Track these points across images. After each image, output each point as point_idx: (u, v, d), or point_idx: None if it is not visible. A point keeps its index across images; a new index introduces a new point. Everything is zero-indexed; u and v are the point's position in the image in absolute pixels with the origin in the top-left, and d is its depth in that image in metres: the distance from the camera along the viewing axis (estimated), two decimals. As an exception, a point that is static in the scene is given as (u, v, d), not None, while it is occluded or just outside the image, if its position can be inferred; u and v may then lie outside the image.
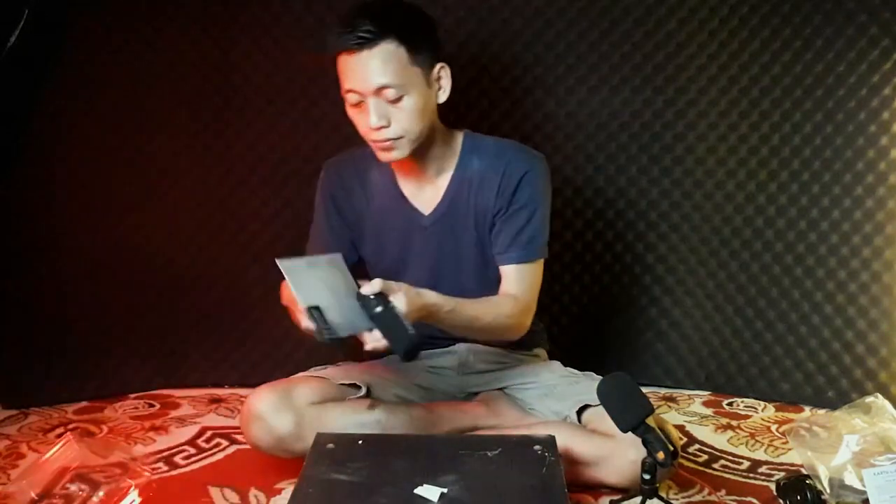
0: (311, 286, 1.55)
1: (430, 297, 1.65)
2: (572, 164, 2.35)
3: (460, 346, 1.96)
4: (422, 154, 1.80)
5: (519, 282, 1.83)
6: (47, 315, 2.26)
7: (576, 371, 1.98)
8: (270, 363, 2.35)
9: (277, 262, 1.52)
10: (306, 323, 1.56)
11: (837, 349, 2.21)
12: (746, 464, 1.91)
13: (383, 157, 1.76)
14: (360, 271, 1.90)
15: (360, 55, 1.67)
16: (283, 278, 1.55)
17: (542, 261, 1.86)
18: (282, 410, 1.75)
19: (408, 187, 1.88)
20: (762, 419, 2.18)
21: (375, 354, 1.80)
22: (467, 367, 1.96)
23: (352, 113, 1.75)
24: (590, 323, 2.39)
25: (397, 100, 1.69)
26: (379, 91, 1.68)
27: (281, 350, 2.38)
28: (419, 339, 1.54)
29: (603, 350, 2.39)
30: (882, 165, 2.14)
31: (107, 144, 2.27)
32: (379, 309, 1.53)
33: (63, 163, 2.24)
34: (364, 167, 1.90)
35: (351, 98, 1.72)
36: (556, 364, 2.02)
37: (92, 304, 2.30)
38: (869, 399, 1.79)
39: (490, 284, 1.86)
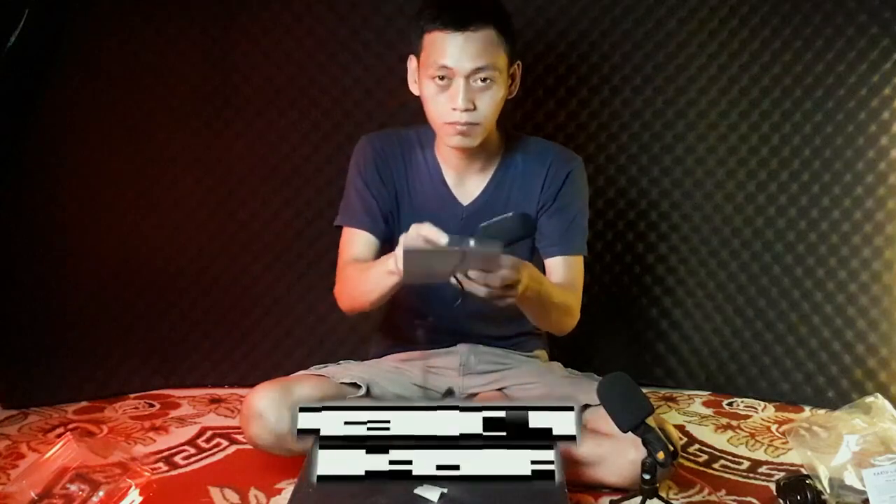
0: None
1: (531, 267, 1.63)
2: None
3: (461, 347, 1.96)
4: (475, 147, 1.81)
5: (569, 271, 1.87)
6: (47, 315, 2.26)
7: (576, 371, 1.99)
8: (270, 363, 2.34)
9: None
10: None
11: (837, 349, 2.21)
12: (746, 464, 1.91)
13: (456, 141, 1.77)
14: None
15: (463, 35, 1.70)
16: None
17: (583, 257, 1.90)
18: (281, 408, 1.74)
19: (451, 177, 1.89)
20: (762, 419, 2.18)
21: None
22: (468, 368, 1.96)
23: (432, 91, 1.75)
24: (590, 323, 2.37)
25: (486, 87, 1.72)
26: (473, 74, 1.71)
27: (281, 350, 2.39)
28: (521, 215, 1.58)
29: (603, 350, 2.39)
30: (882, 165, 2.14)
31: (107, 144, 2.27)
32: (473, 241, 1.47)
33: (63, 163, 2.24)
34: (408, 146, 1.91)
35: (438, 76, 1.72)
36: (557, 365, 2.02)
37: (92, 304, 2.30)
38: (869, 399, 1.79)
39: None
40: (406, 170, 1.90)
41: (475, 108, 1.73)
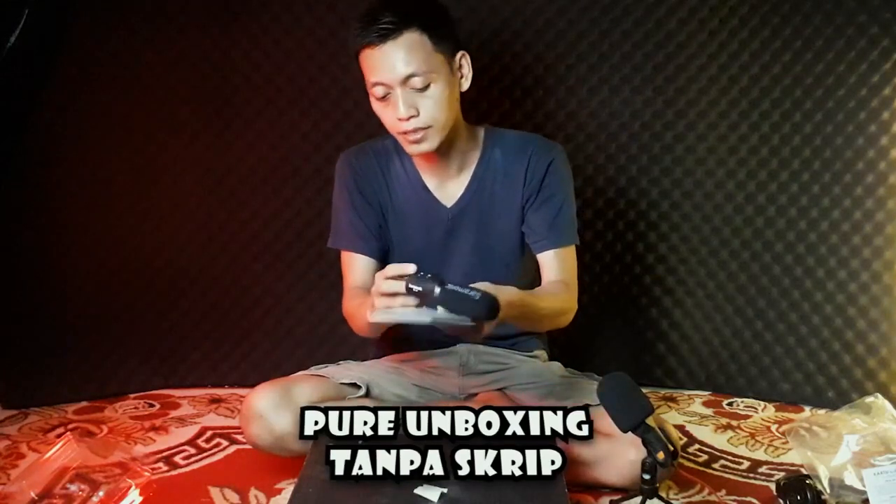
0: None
1: (509, 292, 1.59)
2: (573, 164, 2.32)
3: (461, 347, 1.96)
4: (447, 148, 1.81)
5: (563, 265, 1.85)
6: (47, 315, 2.26)
7: (576, 371, 1.99)
8: (270, 363, 2.35)
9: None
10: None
11: (837, 349, 2.21)
12: (746, 464, 1.91)
13: (413, 149, 1.77)
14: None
15: (385, 47, 1.69)
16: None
17: (575, 246, 1.89)
18: (281, 409, 1.75)
19: (431, 181, 1.89)
20: (762, 419, 2.18)
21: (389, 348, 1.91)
22: (468, 368, 1.96)
23: (378, 107, 1.76)
24: (590, 323, 2.38)
25: (424, 88, 1.71)
26: (406, 81, 1.70)
27: (281, 350, 2.39)
28: (488, 299, 1.46)
29: (603, 350, 2.39)
30: (882, 165, 2.14)
31: (107, 144, 2.27)
32: (438, 290, 1.46)
33: (63, 163, 2.24)
34: (385, 158, 1.91)
35: (377, 91, 1.72)
36: (556, 365, 2.02)
37: (92, 304, 2.30)
38: (869, 399, 1.79)
39: (514, 276, 1.86)
40: (386, 182, 1.90)
41: (419, 114, 1.71)
